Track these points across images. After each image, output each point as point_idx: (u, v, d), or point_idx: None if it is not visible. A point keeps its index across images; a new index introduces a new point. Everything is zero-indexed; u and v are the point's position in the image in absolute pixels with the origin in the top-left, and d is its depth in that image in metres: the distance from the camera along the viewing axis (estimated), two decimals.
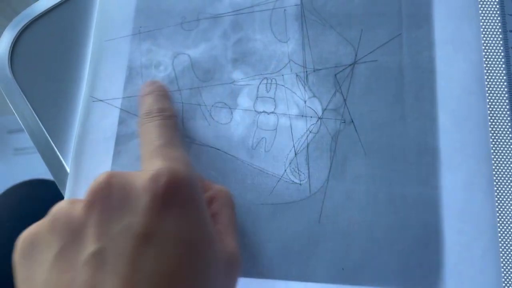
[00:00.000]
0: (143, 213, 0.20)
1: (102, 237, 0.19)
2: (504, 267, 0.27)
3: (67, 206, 0.21)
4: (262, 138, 0.31)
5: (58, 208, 0.21)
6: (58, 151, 0.31)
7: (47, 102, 0.32)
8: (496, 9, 0.32)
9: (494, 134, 0.30)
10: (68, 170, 0.31)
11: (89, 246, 0.19)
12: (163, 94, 0.29)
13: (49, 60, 0.33)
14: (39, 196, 0.56)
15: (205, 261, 0.21)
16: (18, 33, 0.34)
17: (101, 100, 0.32)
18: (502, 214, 0.28)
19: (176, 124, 0.27)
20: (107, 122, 0.31)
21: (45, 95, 0.32)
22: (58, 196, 0.30)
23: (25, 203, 0.55)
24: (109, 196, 0.20)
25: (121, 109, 0.31)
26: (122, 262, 0.18)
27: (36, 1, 0.35)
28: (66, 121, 0.32)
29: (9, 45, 0.34)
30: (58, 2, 0.34)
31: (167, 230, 0.20)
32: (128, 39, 0.33)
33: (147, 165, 0.22)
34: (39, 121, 0.32)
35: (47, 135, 0.32)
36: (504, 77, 0.31)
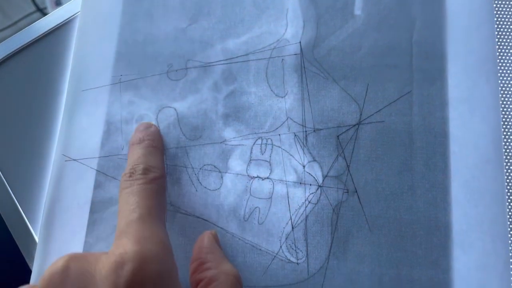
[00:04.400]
0: None
1: None
2: None
3: None
4: (256, 208, 0.27)
5: None
6: (26, 218, 0.28)
7: (14, 160, 0.29)
8: None
9: None
10: (36, 240, 0.28)
11: None
12: (153, 147, 0.26)
13: (15, 111, 0.30)
14: None
15: None
16: None
17: (74, 160, 0.28)
18: None
19: (160, 189, 0.24)
20: (81, 185, 0.28)
21: (11, 153, 0.29)
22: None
23: None
24: (64, 285, 0.18)
25: (97, 170, 0.28)
26: None
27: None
28: (36, 183, 0.28)
29: None
30: (28, 42, 0.31)
31: None
32: (107, 89, 0.29)
33: (115, 245, 0.20)
34: (5, 183, 0.28)
35: (14, 198, 0.28)
36: None
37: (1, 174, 0.29)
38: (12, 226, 0.28)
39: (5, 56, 0.30)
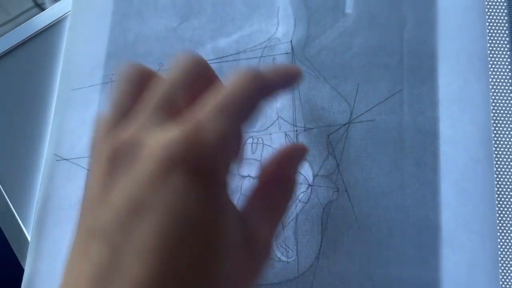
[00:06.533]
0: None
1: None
2: None
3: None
4: None
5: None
6: (18, 217, 0.28)
7: (6, 160, 0.29)
8: (507, 63, 0.29)
9: (501, 210, 0.27)
10: (29, 239, 0.28)
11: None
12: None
13: (7, 111, 0.30)
14: None
15: (209, 245, 0.16)
16: None
17: (66, 159, 0.28)
18: None
19: None
20: (72, 185, 0.28)
21: (3, 152, 0.29)
22: None
23: None
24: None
25: (88, 170, 0.28)
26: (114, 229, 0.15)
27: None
28: (28, 183, 0.29)
29: None
30: (25, 38, 0.31)
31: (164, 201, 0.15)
32: (97, 89, 0.29)
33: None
34: None
35: (7, 198, 0.28)
36: None
37: None
38: (5, 225, 0.28)
39: (2, 53, 0.30)
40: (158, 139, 0.16)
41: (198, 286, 0.15)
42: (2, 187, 0.28)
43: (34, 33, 0.31)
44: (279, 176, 0.21)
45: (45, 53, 0.30)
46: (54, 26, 0.31)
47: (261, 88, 0.19)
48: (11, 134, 0.29)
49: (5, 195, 0.28)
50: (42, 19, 0.31)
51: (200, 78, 0.19)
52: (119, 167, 0.16)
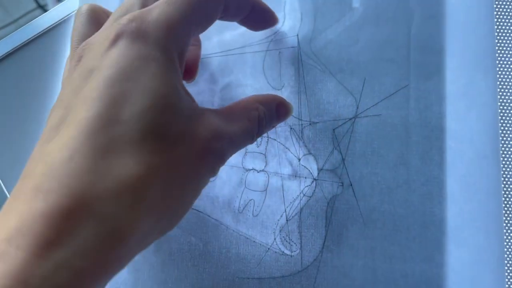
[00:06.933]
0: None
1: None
2: None
3: None
4: (250, 200, 0.27)
5: None
6: None
7: (8, 160, 0.29)
8: None
9: (508, 206, 0.27)
10: None
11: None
12: None
13: (9, 112, 0.29)
14: None
15: (149, 97, 0.17)
16: None
17: None
18: None
19: None
20: None
21: (5, 153, 0.29)
22: None
23: None
24: None
25: None
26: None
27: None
28: None
29: None
30: (28, 39, 0.30)
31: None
32: None
33: None
34: (1, 183, 0.28)
35: (9, 197, 0.28)
36: None
37: None
38: None
39: (5, 54, 0.30)
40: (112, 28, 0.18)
41: (137, 130, 0.17)
42: (4, 187, 0.28)
43: (37, 34, 0.31)
44: (247, 107, 0.22)
45: (48, 55, 0.30)
46: (57, 27, 0.31)
47: None
48: (13, 135, 0.29)
49: (8, 194, 0.28)
50: (45, 20, 0.31)
51: None
52: (82, 57, 0.19)
